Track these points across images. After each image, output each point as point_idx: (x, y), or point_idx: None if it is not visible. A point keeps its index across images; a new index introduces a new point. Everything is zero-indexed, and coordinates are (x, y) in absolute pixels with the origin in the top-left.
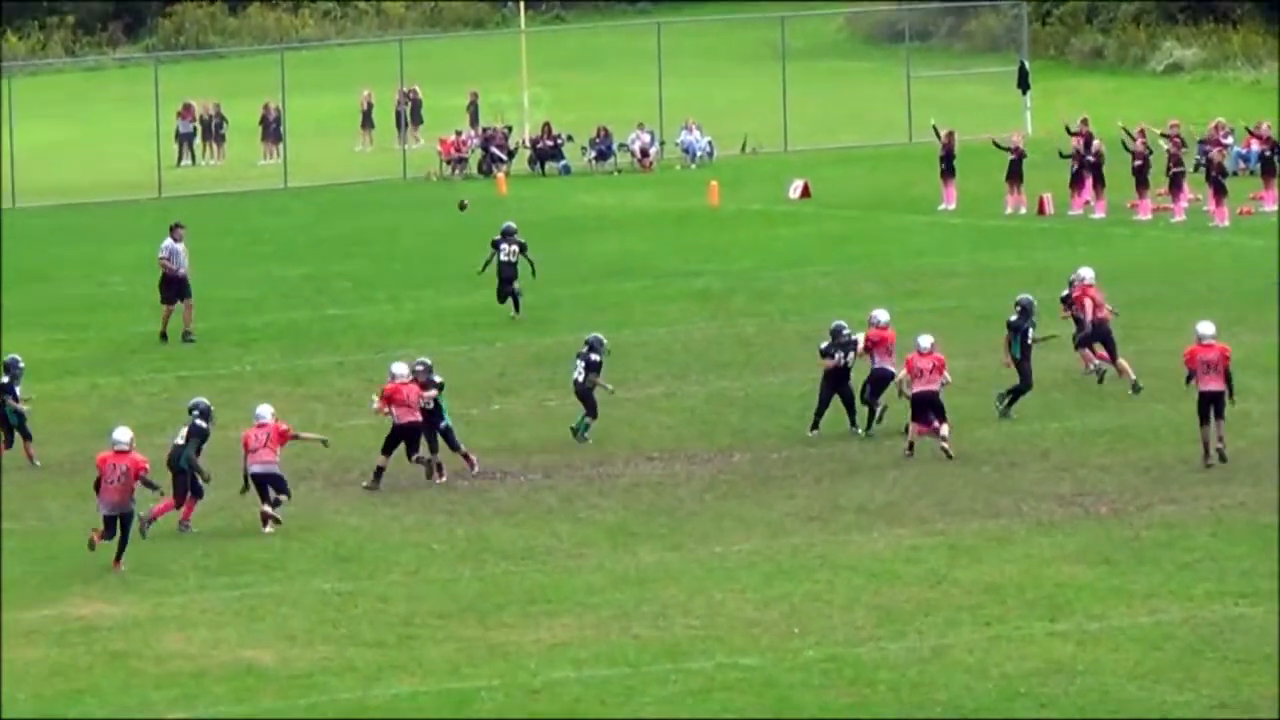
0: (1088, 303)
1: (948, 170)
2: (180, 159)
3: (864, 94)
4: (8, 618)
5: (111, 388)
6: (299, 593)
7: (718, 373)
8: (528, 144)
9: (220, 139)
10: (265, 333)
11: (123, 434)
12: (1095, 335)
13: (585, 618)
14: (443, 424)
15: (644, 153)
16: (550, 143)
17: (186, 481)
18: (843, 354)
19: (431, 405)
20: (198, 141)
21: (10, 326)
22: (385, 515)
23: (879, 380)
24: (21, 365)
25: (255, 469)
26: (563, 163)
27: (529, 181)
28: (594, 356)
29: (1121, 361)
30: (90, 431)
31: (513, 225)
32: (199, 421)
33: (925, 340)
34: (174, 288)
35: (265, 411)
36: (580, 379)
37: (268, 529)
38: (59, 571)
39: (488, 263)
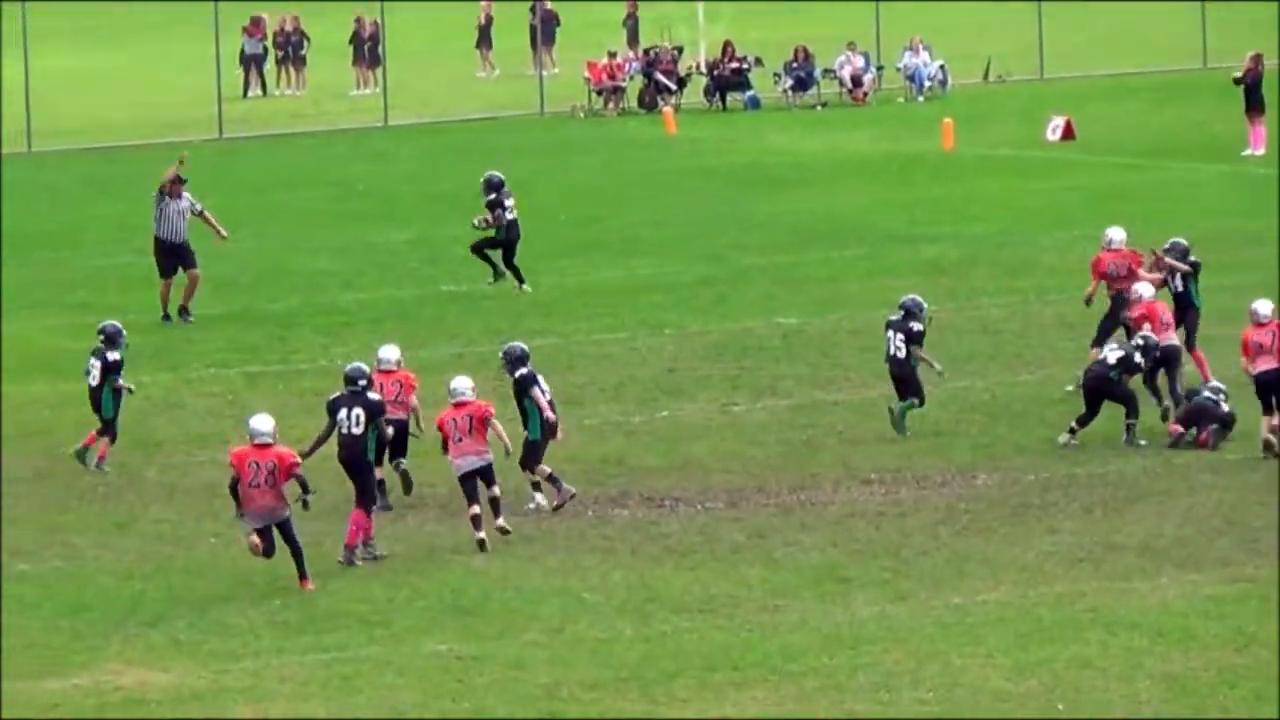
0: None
1: (1255, 105)
2: (247, 88)
3: (1143, 6)
4: (26, 687)
5: (159, 387)
6: (407, 656)
7: (954, 369)
8: (703, 69)
9: (299, 62)
10: (359, 315)
11: (264, 422)
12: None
13: (783, 690)
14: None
15: (855, 81)
16: (733, 68)
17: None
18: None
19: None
20: (269, 65)
21: (20, 306)
22: (520, 555)
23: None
24: (125, 336)
25: (464, 464)
26: (749, 94)
27: (705, 118)
28: (914, 325)
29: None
30: (130, 442)
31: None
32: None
33: (1264, 307)
34: (173, 257)
35: (464, 386)
36: (898, 354)
37: (480, 534)
38: (93, 627)
39: (492, 225)
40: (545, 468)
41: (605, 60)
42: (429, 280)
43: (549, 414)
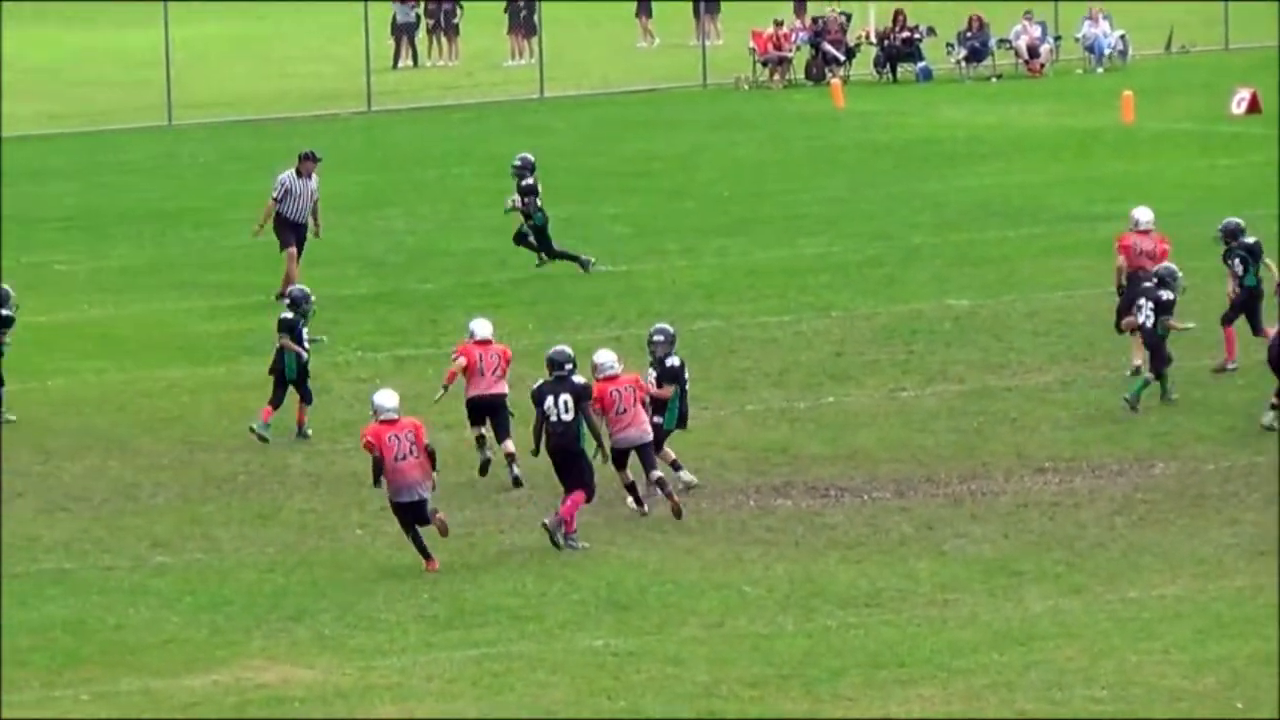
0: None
1: None
2: (397, 59)
3: None
4: (165, 685)
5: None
6: (561, 653)
7: (1132, 355)
8: (873, 39)
9: (452, 31)
10: (514, 296)
11: (389, 398)
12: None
13: (952, 687)
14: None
15: (1032, 51)
16: (904, 38)
17: None
18: None
19: None
20: (420, 35)
21: (161, 285)
22: (678, 547)
23: None
24: (313, 300)
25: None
26: (921, 64)
27: (875, 90)
28: (1164, 294)
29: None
30: (274, 430)
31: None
32: None
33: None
34: (293, 233)
35: (612, 359)
36: (1147, 323)
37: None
38: (234, 621)
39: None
40: (667, 455)
41: (771, 30)
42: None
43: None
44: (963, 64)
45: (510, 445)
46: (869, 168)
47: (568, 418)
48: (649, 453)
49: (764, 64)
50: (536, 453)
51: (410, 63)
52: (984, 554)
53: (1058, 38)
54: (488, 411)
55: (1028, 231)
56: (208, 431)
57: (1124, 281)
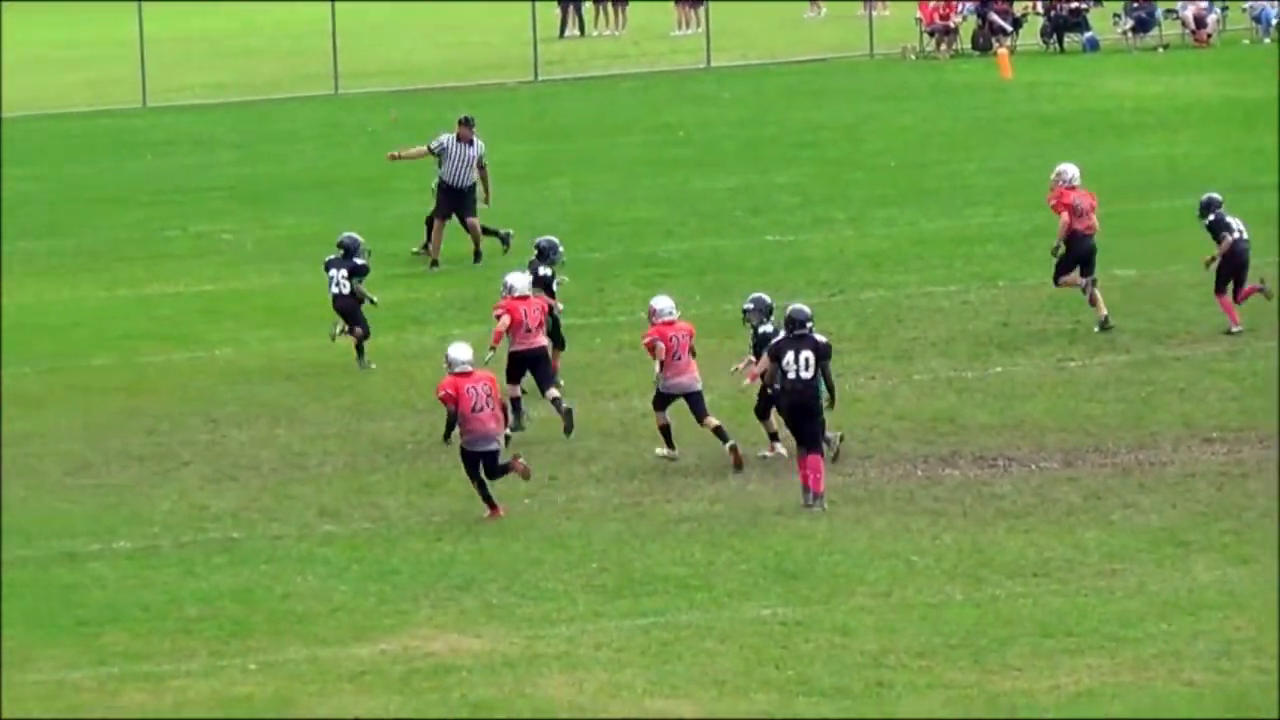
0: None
1: None
2: (564, 28)
3: None
4: (333, 653)
5: (474, 340)
6: (729, 622)
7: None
8: (1040, 9)
9: (620, 1)
10: (680, 267)
11: (463, 351)
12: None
13: (1120, 657)
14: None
15: (1199, 21)
16: (1071, 8)
17: None
18: None
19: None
20: (587, 5)
21: (327, 255)
22: (847, 516)
23: None
24: (562, 250)
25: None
26: (1087, 35)
27: (1042, 61)
28: None
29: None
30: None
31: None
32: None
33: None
34: (454, 201)
35: (668, 305)
36: None
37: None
38: (401, 591)
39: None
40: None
41: (938, 0)
42: (753, 230)
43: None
44: (1129, 34)
45: (555, 391)
46: (1035, 138)
47: (807, 375)
48: (700, 402)
49: (930, 34)
50: (766, 412)
51: (577, 32)
52: (1151, 524)
53: (1224, 8)
54: (531, 364)
55: (1193, 202)
56: (375, 400)
57: (1066, 239)
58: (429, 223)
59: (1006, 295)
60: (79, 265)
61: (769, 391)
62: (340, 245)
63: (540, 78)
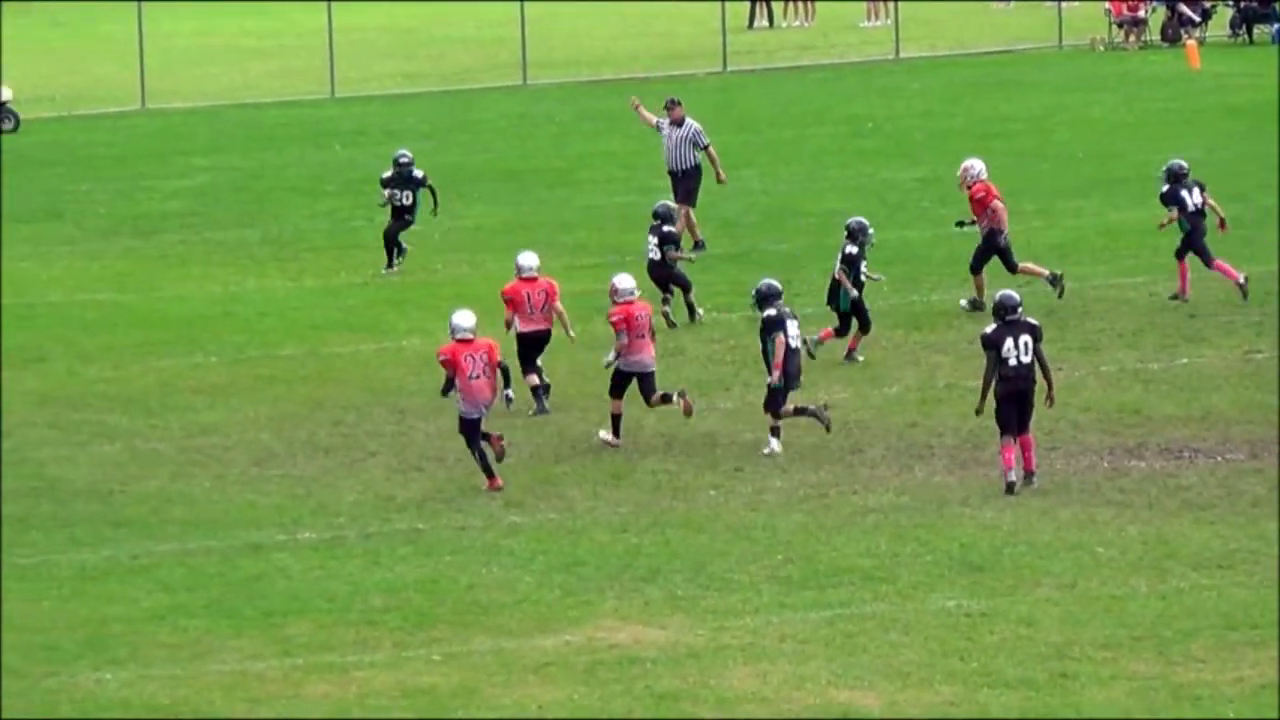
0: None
1: None
2: (753, 19)
3: None
4: (517, 645)
5: (657, 332)
6: (914, 614)
7: None
8: (1229, 1)
9: None
10: (868, 258)
11: (466, 318)
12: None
13: None
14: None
15: None
16: None
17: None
18: None
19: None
20: None
21: (514, 245)
22: (1033, 508)
23: None
24: (872, 232)
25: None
26: (1277, 26)
27: (1231, 52)
28: None
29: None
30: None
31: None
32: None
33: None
34: (675, 183)
35: (630, 284)
36: None
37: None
38: (586, 582)
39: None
40: (790, 408)
41: None
42: (941, 220)
43: (777, 367)
44: None
45: (534, 378)
46: (1223, 129)
47: (1026, 359)
48: (651, 381)
49: (1119, 25)
50: (980, 409)
51: (766, 23)
52: None
53: None
54: (536, 347)
55: None
56: (561, 391)
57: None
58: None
59: (1194, 287)
60: (266, 255)
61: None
62: (655, 214)
63: (729, 68)
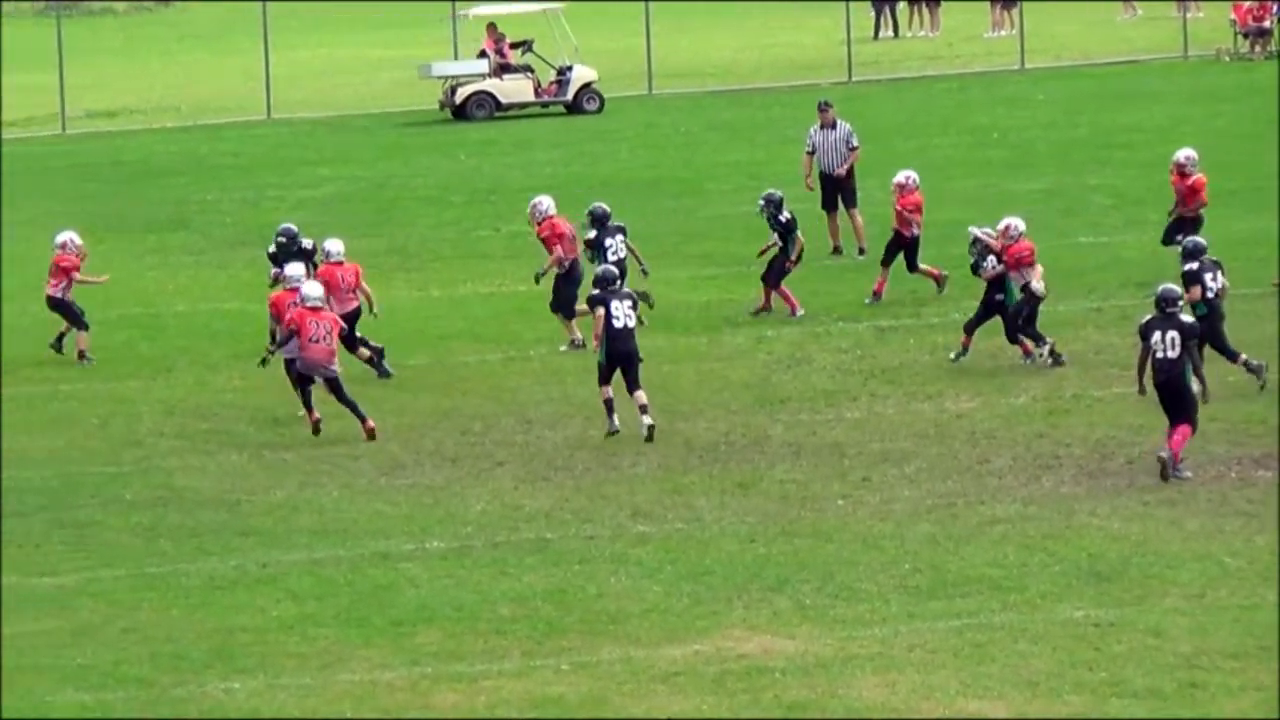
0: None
1: None
2: (878, 30)
3: None
4: (645, 654)
5: (784, 342)
6: (1043, 624)
7: None
8: None
9: (934, 2)
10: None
11: (315, 289)
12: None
13: None
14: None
15: None
16: None
17: None
18: None
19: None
20: (901, 7)
21: (651, 254)
22: (1160, 518)
23: None
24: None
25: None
26: None
27: None
28: None
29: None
30: (754, 401)
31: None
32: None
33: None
34: (834, 191)
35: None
36: None
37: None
38: (714, 592)
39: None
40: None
41: (1251, 2)
42: (1066, 231)
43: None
44: None
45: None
46: None
47: (1173, 354)
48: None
49: (1244, 36)
50: (1143, 390)
51: (891, 33)
52: None
53: None
54: (350, 324)
55: None
56: (688, 401)
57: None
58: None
59: None
60: (392, 265)
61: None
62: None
63: (854, 79)
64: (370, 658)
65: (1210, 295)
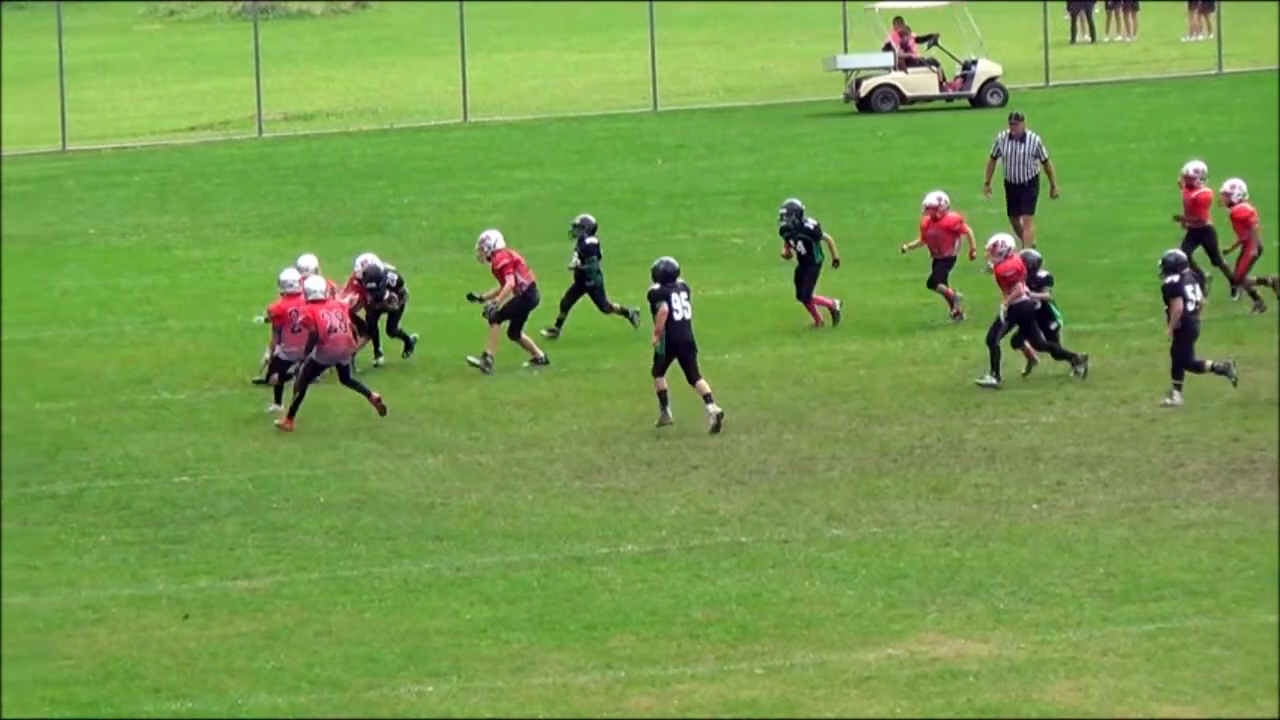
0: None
1: None
2: (1074, 34)
3: None
4: (839, 657)
5: (979, 346)
6: (1236, 629)
7: None
8: None
9: (1131, 6)
10: None
11: (316, 283)
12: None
13: None
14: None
15: None
16: None
17: None
18: None
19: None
20: (1098, 11)
21: (849, 258)
22: None
23: None
24: None
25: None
26: None
27: None
28: None
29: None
30: (949, 406)
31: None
32: None
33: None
34: (1016, 199)
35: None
36: None
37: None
38: (908, 595)
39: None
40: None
41: None
42: (1268, 234)
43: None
44: None
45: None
46: None
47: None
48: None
49: None
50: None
51: (1088, 38)
52: None
53: None
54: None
55: None
56: (884, 405)
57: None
58: None
59: None
60: None
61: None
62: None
63: (1051, 83)
64: (563, 661)
65: (1190, 309)
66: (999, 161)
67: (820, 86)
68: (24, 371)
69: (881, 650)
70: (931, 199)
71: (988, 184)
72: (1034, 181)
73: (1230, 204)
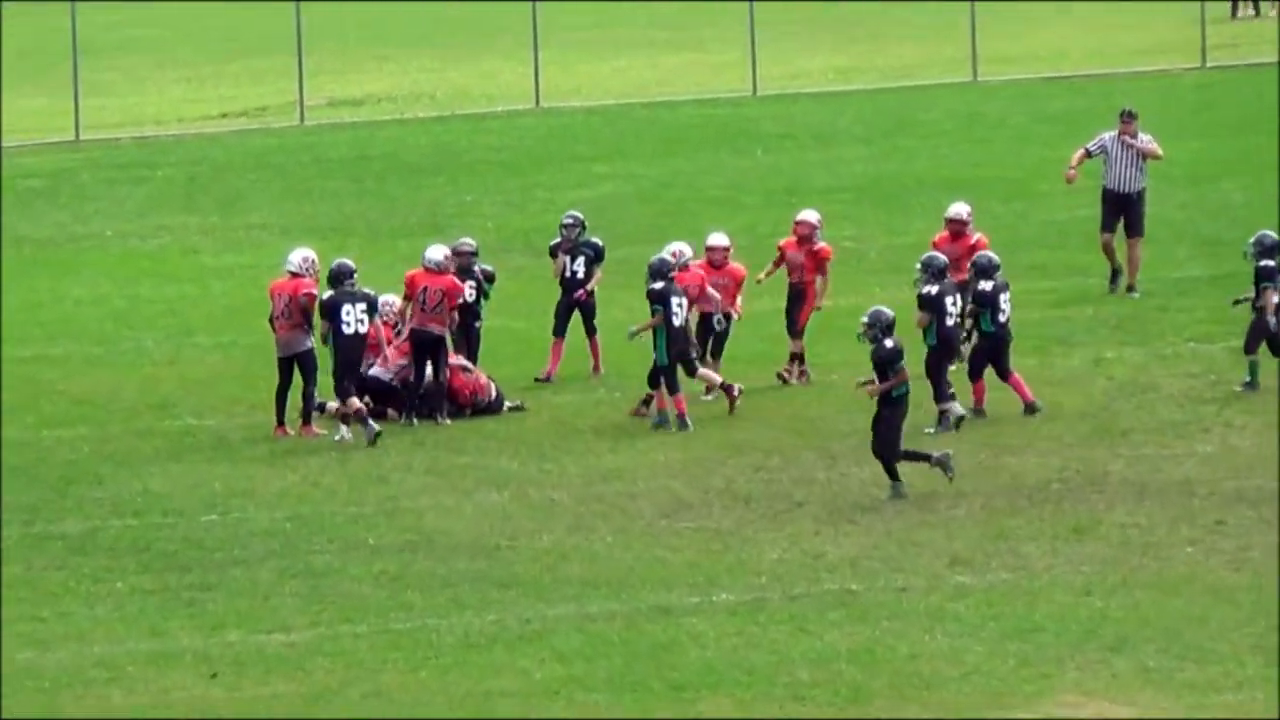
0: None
1: None
2: (1236, 8)
3: None
4: (970, 713)
5: (1126, 365)
6: None
7: None
8: None
9: None
10: None
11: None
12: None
13: None
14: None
15: None
16: None
17: None
18: None
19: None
20: None
21: None
22: None
23: None
24: None
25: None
26: None
27: None
28: None
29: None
30: (1091, 433)
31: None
32: None
33: None
34: (1117, 212)
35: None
36: None
37: None
38: (1044, 651)
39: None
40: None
41: None
42: None
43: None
44: None
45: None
46: None
47: None
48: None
49: None
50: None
51: (1253, 12)
52: None
53: None
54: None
55: None
56: (1016, 433)
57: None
58: None
59: None
60: None
61: None
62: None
63: (1208, 64)
64: None
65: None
66: (1103, 166)
67: (944, 68)
68: (30, 394)
69: (1013, 713)
70: (959, 210)
71: (1072, 168)
72: (1142, 195)
73: None
